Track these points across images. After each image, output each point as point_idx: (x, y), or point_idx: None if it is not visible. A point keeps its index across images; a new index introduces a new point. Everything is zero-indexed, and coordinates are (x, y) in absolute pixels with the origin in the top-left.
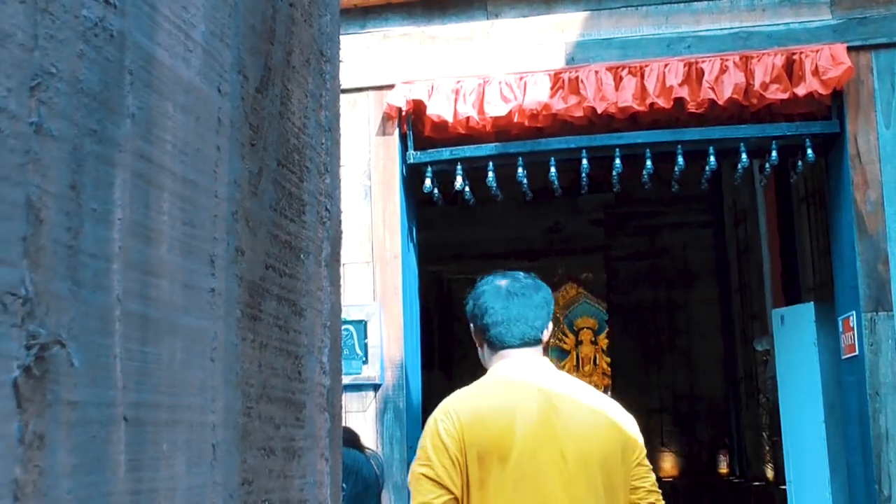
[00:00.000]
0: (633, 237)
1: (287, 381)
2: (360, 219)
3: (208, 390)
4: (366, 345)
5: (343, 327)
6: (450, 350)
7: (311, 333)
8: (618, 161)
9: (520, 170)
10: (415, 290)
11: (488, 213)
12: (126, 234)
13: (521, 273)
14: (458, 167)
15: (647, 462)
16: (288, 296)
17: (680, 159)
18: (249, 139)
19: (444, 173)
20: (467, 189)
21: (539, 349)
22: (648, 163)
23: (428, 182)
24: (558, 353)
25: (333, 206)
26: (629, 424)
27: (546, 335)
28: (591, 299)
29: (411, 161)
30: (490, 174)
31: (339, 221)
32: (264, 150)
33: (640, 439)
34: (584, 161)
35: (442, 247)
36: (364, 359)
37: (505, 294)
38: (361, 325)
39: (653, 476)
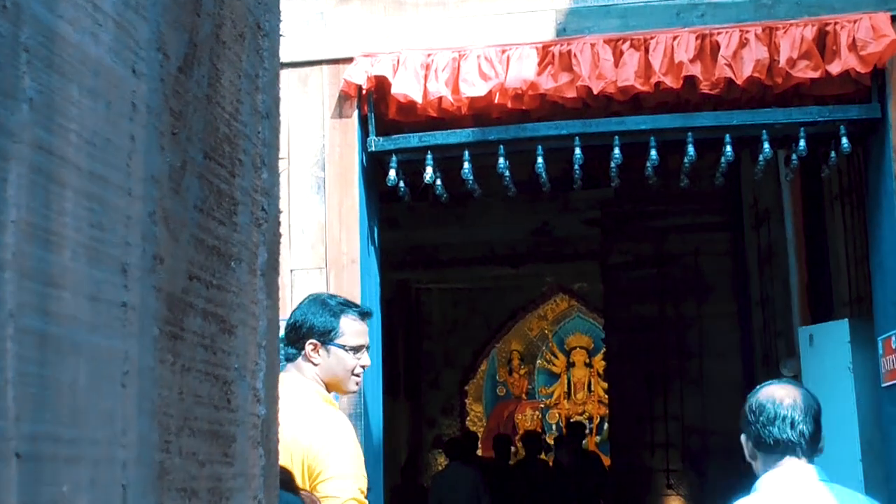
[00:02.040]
0: (635, 241)
1: (214, 411)
2: (312, 217)
3: (118, 421)
4: None
5: None
6: (418, 374)
7: (242, 354)
8: (617, 150)
9: (501, 160)
10: (376, 301)
11: (464, 212)
12: (22, 238)
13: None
14: (429, 156)
15: (331, 488)
16: (215, 310)
17: (690, 149)
18: (170, 127)
19: (411, 163)
20: (439, 182)
21: (296, 364)
22: (653, 153)
23: (392, 174)
24: (546, 378)
25: (271, 206)
26: (316, 438)
27: (307, 348)
28: (586, 314)
29: (373, 149)
30: (466, 165)
31: (278, 223)
32: (188, 141)
33: (329, 457)
34: (578, 150)
35: (409, 251)
36: None
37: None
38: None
39: (338, 501)
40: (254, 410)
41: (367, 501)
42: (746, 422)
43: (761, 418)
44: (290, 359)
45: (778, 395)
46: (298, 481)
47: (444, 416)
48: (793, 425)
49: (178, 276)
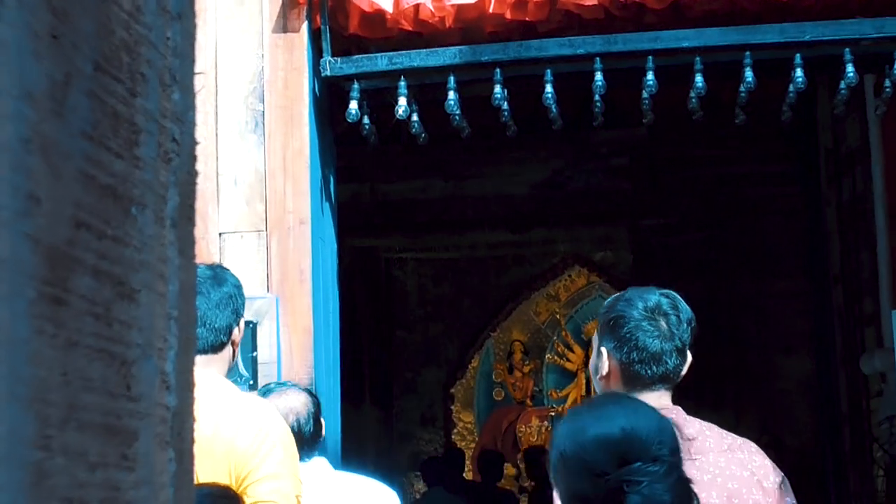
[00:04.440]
0: (674, 196)
1: (109, 399)
2: (247, 164)
3: None
4: (254, 360)
5: None
6: (388, 373)
7: (147, 328)
8: (651, 76)
9: (498, 89)
10: (332, 275)
11: (449, 158)
12: None
13: (203, 265)
14: (402, 83)
15: (266, 491)
16: (111, 269)
17: (748, 74)
18: (50, 29)
19: (379, 93)
20: (416, 118)
21: (221, 356)
22: (699, 79)
23: (354, 106)
24: (558, 377)
25: (184, 135)
26: (243, 431)
27: (237, 337)
28: (610, 293)
29: (328, 73)
30: (451, 95)
31: (194, 159)
32: (74, 47)
33: (259, 451)
34: (599, 76)
35: (376, 209)
36: (251, 381)
37: None
38: (248, 330)
39: None
40: (161, 400)
41: None
42: None
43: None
44: (211, 348)
45: (295, 408)
46: (225, 479)
47: (424, 427)
48: (314, 435)
49: (60, 223)
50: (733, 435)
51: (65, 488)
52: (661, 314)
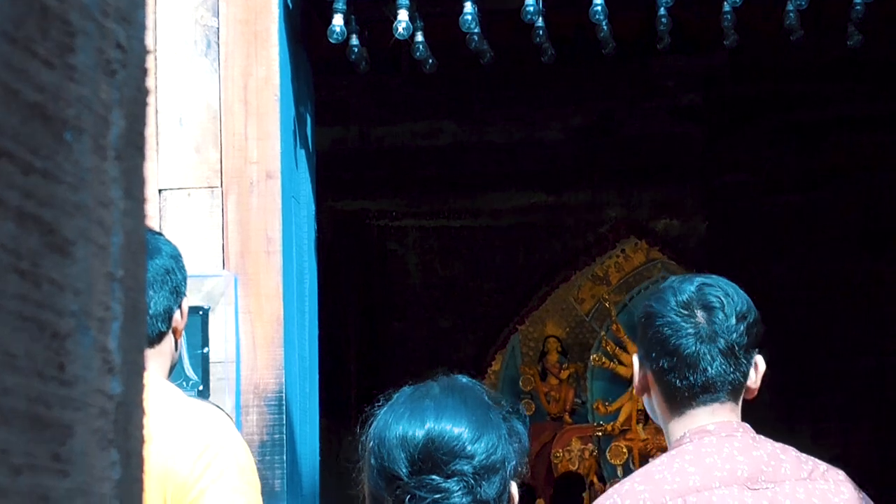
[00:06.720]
0: (762, 147)
1: (35, 382)
2: (196, 98)
3: None
4: (204, 357)
5: None
6: (383, 380)
7: (84, 290)
8: None
9: None
10: (310, 247)
11: (464, 94)
12: None
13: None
14: None
15: None
16: (38, 212)
17: None
18: None
19: (372, 5)
20: (420, 39)
21: (160, 350)
22: None
23: (339, 22)
24: (606, 384)
25: (133, 41)
26: (186, 449)
27: (179, 323)
28: (677, 273)
29: None
30: (468, 7)
31: (145, 70)
32: None
33: (205, 476)
34: None
35: (367, 161)
36: (201, 385)
37: None
38: (198, 319)
39: None
40: (102, 386)
41: None
42: None
43: None
44: (146, 340)
45: None
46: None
47: None
48: None
49: None
50: (815, 460)
51: None
52: (700, 307)
